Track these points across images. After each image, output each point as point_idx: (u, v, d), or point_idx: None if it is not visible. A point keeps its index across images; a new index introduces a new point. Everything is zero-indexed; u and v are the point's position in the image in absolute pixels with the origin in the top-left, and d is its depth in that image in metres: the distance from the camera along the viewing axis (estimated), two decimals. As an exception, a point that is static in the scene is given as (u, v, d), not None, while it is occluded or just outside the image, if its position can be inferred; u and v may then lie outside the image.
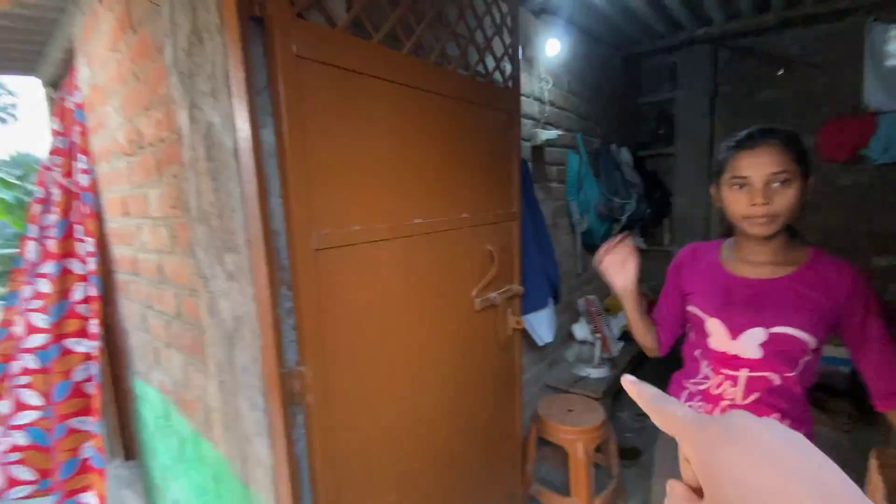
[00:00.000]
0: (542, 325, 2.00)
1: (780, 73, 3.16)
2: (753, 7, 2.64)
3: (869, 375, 0.93)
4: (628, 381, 0.32)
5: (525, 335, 2.08)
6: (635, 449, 2.57)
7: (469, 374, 1.48)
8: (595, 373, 2.47)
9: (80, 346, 1.68)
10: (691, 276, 1.09)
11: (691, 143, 3.49)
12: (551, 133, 2.19)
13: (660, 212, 3.55)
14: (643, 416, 2.91)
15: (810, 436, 0.95)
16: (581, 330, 2.51)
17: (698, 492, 0.27)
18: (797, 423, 0.97)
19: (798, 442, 0.23)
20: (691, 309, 1.06)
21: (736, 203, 0.93)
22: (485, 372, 1.56)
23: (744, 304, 0.97)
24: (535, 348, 2.36)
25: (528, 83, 2.17)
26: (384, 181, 1.11)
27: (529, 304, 1.86)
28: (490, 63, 1.49)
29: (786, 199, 0.89)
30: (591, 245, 2.77)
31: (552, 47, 2.19)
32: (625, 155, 3.22)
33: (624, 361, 2.65)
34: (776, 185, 0.89)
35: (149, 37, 1.16)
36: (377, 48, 1.06)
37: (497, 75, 1.52)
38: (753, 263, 0.99)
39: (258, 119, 0.86)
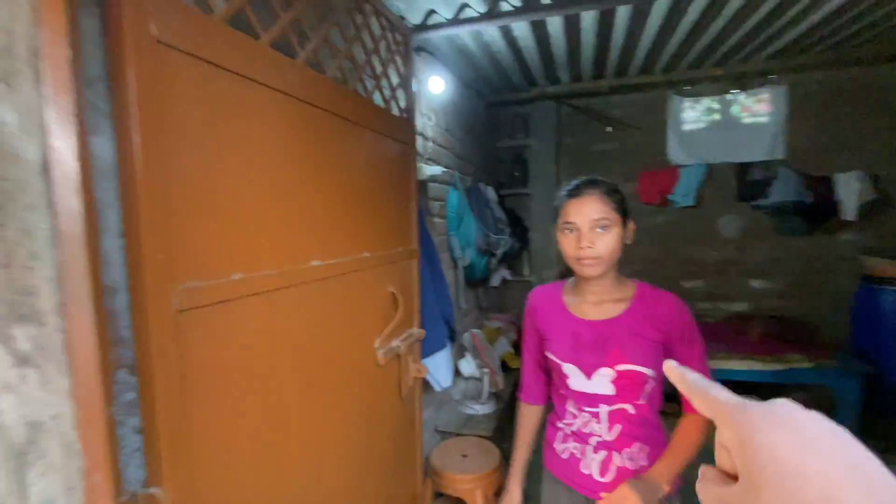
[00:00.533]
0: (440, 368, 1.88)
1: (609, 130, 3.78)
2: (592, 74, 3.10)
3: None
4: (671, 367, 0.32)
5: (423, 381, 1.93)
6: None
7: (373, 443, 1.26)
8: (483, 409, 2.43)
9: None
10: (544, 321, 1.16)
11: (542, 184, 3.89)
12: (435, 169, 2.15)
13: (520, 245, 3.84)
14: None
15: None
16: (468, 365, 2.47)
17: (731, 477, 0.27)
18: (655, 448, 1.05)
19: (842, 433, 0.24)
20: (549, 355, 1.12)
21: (567, 245, 1.03)
22: (387, 432, 1.35)
23: (591, 347, 1.05)
24: (425, 391, 2.21)
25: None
26: (275, 215, 0.88)
27: (428, 346, 1.73)
28: (386, 91, 1.38)
29: (607, 242, 0.99)
30: (471, 279, 2.79)
31: (436, 85, 2.19)
32: (491, 193, 3.40)
33: (507, 393, 2.68)
34: (599, 230, 0.99)
35: None
36: (267, 51, 0.85)
37: (393, 104, 1.41)
38: (592, 303, 1.08)
39: (86, 121, 0.57)
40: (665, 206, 3.71)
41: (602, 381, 1.04)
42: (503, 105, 3.88)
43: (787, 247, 3.51)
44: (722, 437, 0.27)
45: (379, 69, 1.32)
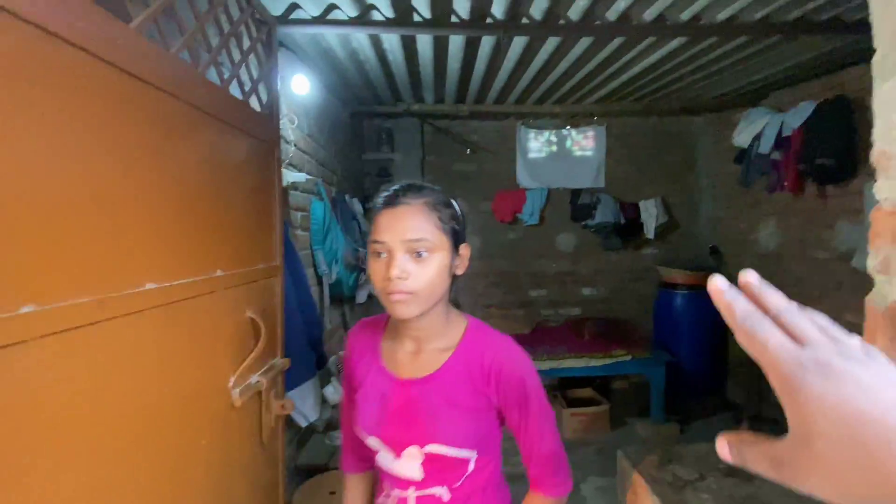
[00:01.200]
0: (307, 400, 1.68)
1: (469, 152, 4.02)
2: (455, 97, 3.26)
3: (525, 461, 0.84)
4: (719, 287, 0.27)
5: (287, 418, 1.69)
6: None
7: (228, 500, 1.03)
8: (351, 437, 2.27)
9: None
10: (357, 372, 0.89)
11: (409, 199, 3.93)
12: (299, 176, 1.96)
13: (388, 261, 3.79)
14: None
15: None
16: (335, 392, 2.28)
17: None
18: None
19: (889, 377, 0.23)
20: (355, 422, 0.87)
21: (374, 273, 0.76)
22: (245, 485, 1.13)
23: (398, 417, 0.80)
24: (288, 426, 1.96)
25: (271, 117, 1.90)
26: (92, 224, 0.65)
27: (293, 377, 1.52)
28: (246, 84, 1.19)
29: (426, 272, 0.73)
30: (337, 296, 2.61)
31: (300, 85, 2.01)
32: (357, 206, 3.29)
33: (375, 416, 2.56)
34: (417, 254, 0.73)
35: None
36: (92, 8, 0.63)
37: (254, 99, 1.22)
38: (409, 353, 0.84)
39: None
40: (515, 223, 4.10)
41: (410, 464, 0.80)
42: (368, 116, 3.82)
43: (608, 260, 4.19)
44: (771, 381, 0.25)
45: (237, 56, 1.13)
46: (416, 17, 1.85)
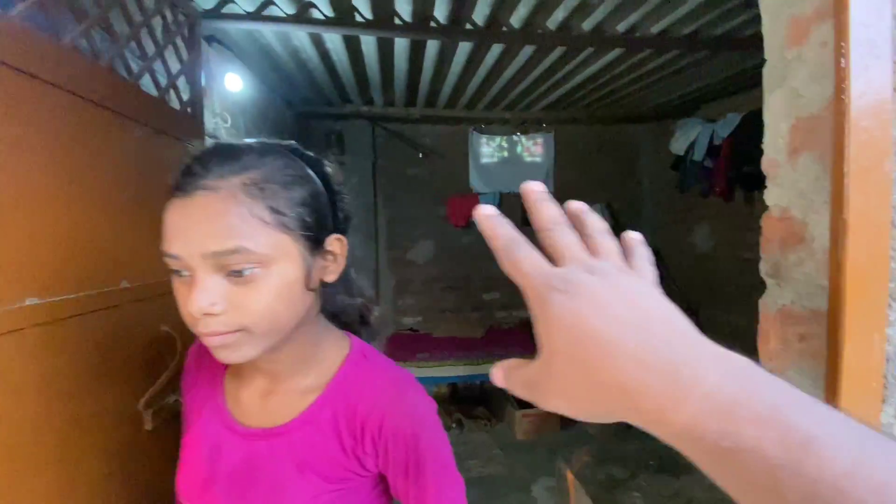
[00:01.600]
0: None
1: (421, 156, 4.00)
2: (406, 100, 3.23)
3: None
4: (485, 213, 0.27)
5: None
6: None
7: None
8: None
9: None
10: (190, 405, 0.64)
11: (360, 203, 3.85)
12: (235, 179, 1.86)
13: (338, 266, 3.69)
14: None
15: None
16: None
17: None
18: None
19: (625, 292, 0.23)
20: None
21: (180, 299, 0.48)
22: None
23: (231, 483, 0.55)
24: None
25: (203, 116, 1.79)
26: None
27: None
28: (162, 79, 1.10)
29: (254, 301, 0.46)
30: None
31: (232, 82, 1.91)
32: (305, 210, 3.18)
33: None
34: (233, 274, 0.45)
35: None
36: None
37: (172, 96, 1.14)
38: (255, 393, 0.58)
39: None
40: (470, 227, 4.11)
41: None
42: (316, 118, 3.71)
43: (559, 263, 4.30)
44: (528, 303, 0.24)
45: (151, 49, 1.05)
46: (358, 18, 1.81)
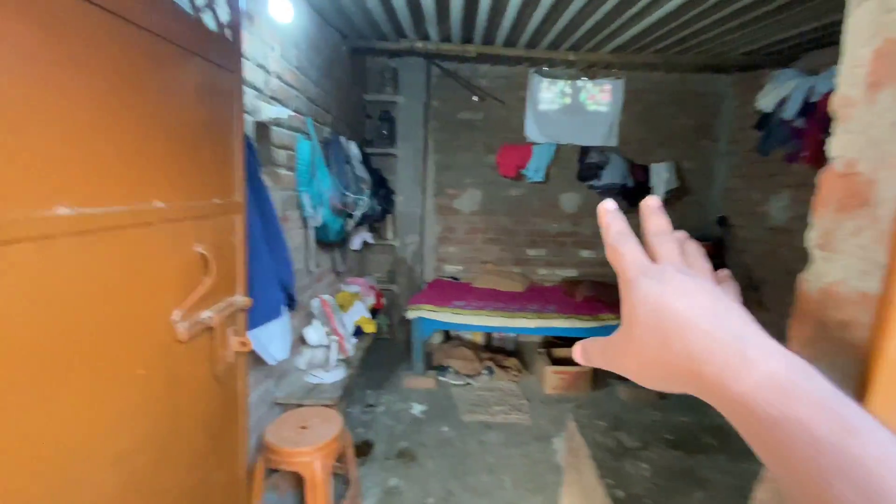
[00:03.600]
0: (273, 340, 1.69)
1: (476, 99, 3.81)
2: (461, 36, 3.03)
3: None
4: (607, 208, 0.32)
5: (252, 355, 1.72)
6: (367, 442, 2.58)
7: (175, 431, 1.05)
8: (329, 377, 2.32)
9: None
10: None
11: (410, 146, 3.79)
12: (280, 110, 1.87)
13: (385, 208, 3.72)
14: (372, 406, 2.99)
15: None
16: (315, 333, 2.31)
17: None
18: None
19: (703, 289, 0.27)
20: None
21: None
22: (197, 416, 1.15)
23: None
24: (261, 363, 2.00)
25: (249, 43, 1.77)
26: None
27: (258, 315, 1.52)
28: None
29: None
30: (325, 241, 2.59)
31: (281, 10, 1.86)
32: (354, 150, 3.18)
33: (357, 359, 2.61)
34: None
35: None
36: None
37: (209, 18, 1.12)
38: None
39: None
40: (519, 179, 3.96)
41: None
42: (371, 53, 3.61)
43: (612, 223, 4.07)
44: (620, 287, 0.30)
45: (187, -35, 1.02)
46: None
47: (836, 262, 0.35)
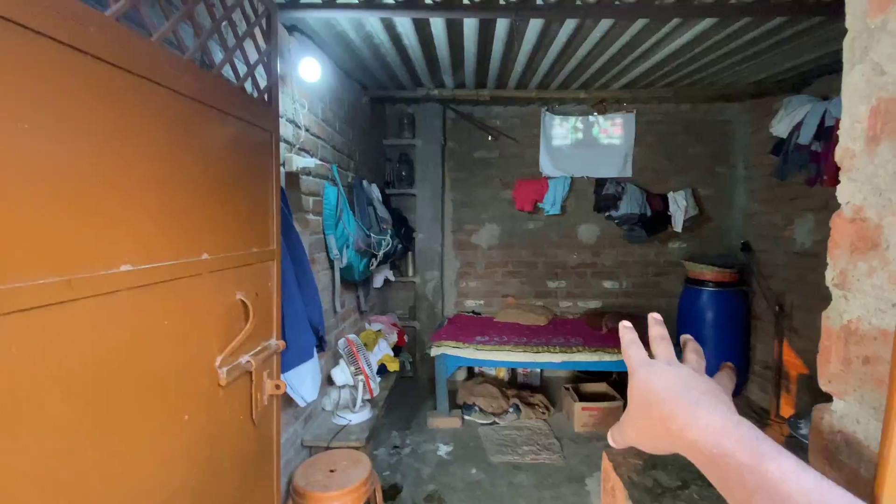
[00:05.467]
0: (304, 381, 1.72)
1: (491, 139, 3.95)
2: (475, 82, 3.19)
3: None
4: (625, 325, 0.44)
5: (283, 397, 1.75)
6: (394, 486, 2.54)
7: (214, 475, 1.08)
8: (357, 418, 2.32)
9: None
10: None
11: (429, 185, 3.91)
12: (308, 161, 1.98)
13: (405, 246, 3.80)
14: (398, 448, 2.94)
15: None
16: (342, 373, 2.33)
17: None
18: None
19: (684, 374, 0.37)
20: None
21: None
22: (234, 460, 1.17)
23: None
24: (288, 405, 2.03)
25: (282, 102, 1.92)
26: (63, 201, 0.67)
27: (292, 358, 1.57)
28: (242, 68, 1.20)
29: None
30: (349, 281, 2.65)
31: (309, 70, 2.01)
32: (376, 191, 3.30)
33: (382, 398, 2.61)
34: None
35: None
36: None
37: (250, 85, 1.23)
38: None
39: None
40: (536, 213, 4.01)
41: None
42: (390, 101, 3.81)
43: (632, 252, 4.05)
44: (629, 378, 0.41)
45: (232, 41, 1.14)
46: (426, 0, 1.81)
47: (854, 301, 0.38)
